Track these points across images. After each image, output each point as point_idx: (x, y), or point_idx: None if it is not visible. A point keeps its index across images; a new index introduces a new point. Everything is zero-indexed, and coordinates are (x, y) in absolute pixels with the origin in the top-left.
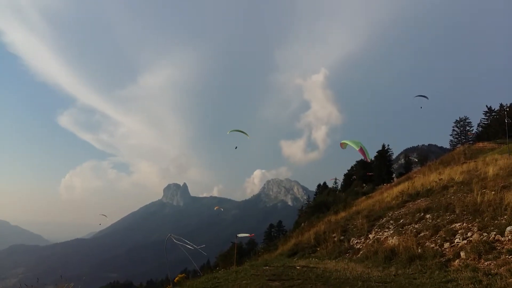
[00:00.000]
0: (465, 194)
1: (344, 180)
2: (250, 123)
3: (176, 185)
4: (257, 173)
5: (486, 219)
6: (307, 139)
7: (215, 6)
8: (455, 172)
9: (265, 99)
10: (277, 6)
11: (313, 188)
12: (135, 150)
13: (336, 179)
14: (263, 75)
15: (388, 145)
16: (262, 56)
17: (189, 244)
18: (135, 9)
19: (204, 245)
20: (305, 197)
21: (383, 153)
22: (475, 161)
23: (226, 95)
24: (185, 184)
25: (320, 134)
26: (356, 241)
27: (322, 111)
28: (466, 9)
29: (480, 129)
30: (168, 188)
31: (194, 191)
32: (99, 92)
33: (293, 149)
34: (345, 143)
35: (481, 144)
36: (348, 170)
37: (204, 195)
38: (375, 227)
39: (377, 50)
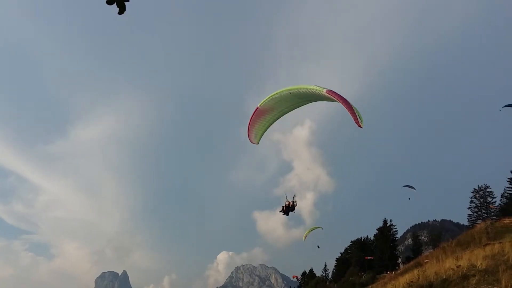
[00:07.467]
0: (490, 287)
1: (337, 266)
2: (214, 190)
3: (113, 274)
4: (223, 256)
5: None
6: None
7: (170, 40)
8: (476, 257)
9: (234, 159)
10: (249, 46)
11: None
12: (59, 226)
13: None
14: (231, 129)
15: (391, 221)
16: (231, 106)
17: None
18: (68, 42)
19: None
20: None
21: (385, 231)
22: (500, 243)
23: (183, 154)
24: (125, 273)
25: (306, 204)
26: None
27: (308, 174)
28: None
29: (505, 200)
30: (101, 278)
31: (137, 282)
32: (15, 147)
33: (271, 224)
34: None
35: (507, 220)
36: (341, 253)
37: (151, 287)
38: None
39: (376, 97)
